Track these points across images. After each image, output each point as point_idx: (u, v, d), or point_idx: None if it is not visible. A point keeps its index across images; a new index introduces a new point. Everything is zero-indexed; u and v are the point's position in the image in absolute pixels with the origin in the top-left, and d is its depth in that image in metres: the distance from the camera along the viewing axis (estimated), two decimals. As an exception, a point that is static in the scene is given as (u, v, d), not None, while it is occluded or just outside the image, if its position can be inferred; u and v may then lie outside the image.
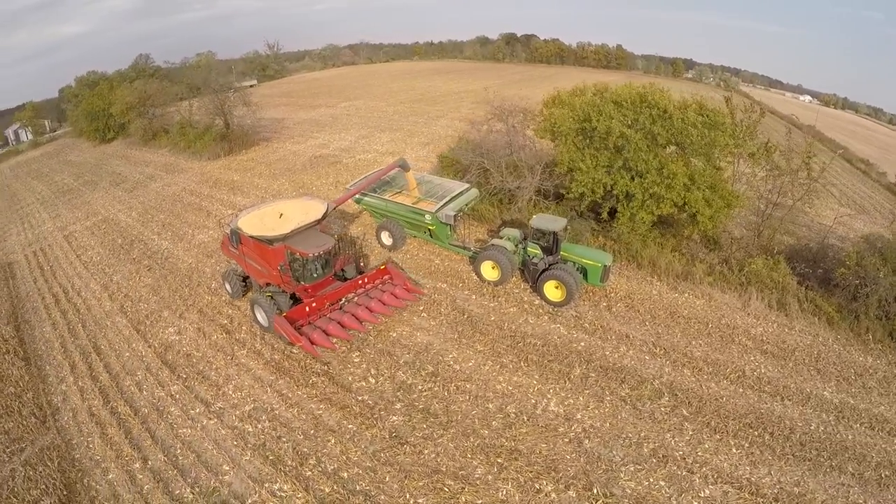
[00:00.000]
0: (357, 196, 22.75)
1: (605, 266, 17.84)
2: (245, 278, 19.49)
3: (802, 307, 17.66)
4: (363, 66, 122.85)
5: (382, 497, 11.34)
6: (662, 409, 13.62)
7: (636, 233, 20.63)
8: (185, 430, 14.05)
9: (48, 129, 79.38)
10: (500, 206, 24.59)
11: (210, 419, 14.23)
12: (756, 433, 12.89)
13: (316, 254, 15.98)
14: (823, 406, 13.83)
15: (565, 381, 14.60)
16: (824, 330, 16.84)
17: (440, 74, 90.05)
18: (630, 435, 12.81)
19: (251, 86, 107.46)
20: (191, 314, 19.61)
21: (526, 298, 18.59)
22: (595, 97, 22.14)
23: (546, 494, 11.32)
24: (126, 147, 54.68)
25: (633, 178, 19.92)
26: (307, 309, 15.92)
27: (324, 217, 17.68)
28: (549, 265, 18.19)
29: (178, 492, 12.25)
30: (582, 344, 16.19)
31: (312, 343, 15.01)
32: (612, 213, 21.22)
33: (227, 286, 19.86)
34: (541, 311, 17.93)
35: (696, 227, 20.00)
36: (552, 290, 17.88)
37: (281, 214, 17.36)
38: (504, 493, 11.32)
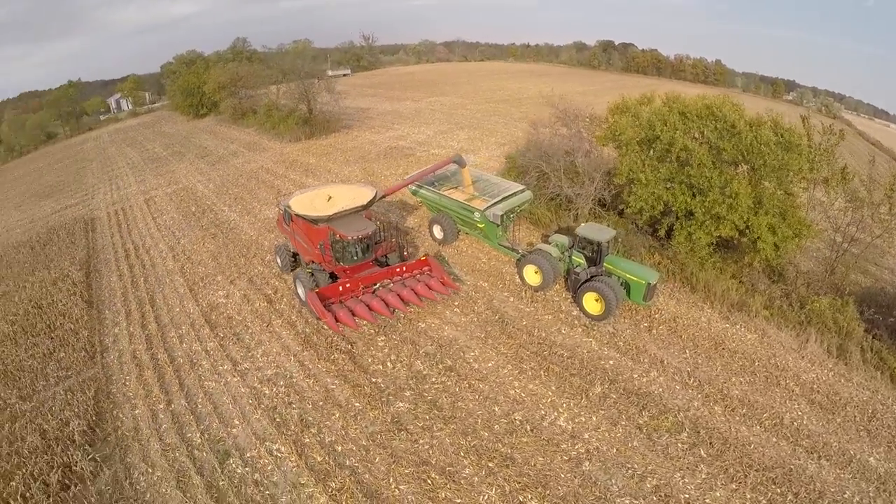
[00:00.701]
0: (414, 188, 23.60)
1: (650, 284, 17.20)
2: (295, 254, 20.89)
3: (865, 357, 16.07)
4: (457, 64, 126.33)
5: (367, 476, 11.63)
6: (680, 444, 12.79)
7: (694, 254, 19.84)
8: (209, 383, 15.38)
9: (148, 100, 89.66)
10: (558, 212, 24.24)
11: (234, 377, 15.43)
12: (778, 490, 11.52)
13: (355, 237, 16.80)
14: (866, 473, 12.07)
15: (582, 398, 14.12)
16: (886, 387, 15.17)
17: (532, 77, 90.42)
18: (636, 466, 12.14)
19: (344, 75, 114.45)
20: (241, 281, 21.34)
21: (564, 308, 18.12)
22: (664, 107, 21.60)
23: None
24: (216, 123, 60.39)
25: (694, 196, 19.23)
26: (340, 288, 16.67)
27: (369, 204, 18.48)
28: (592, 276, 17.81)
29: (189, 435, 13.47)
30: (611, 362, 15.56)
31: (337, 320, 15.75)
32: (671, 231, 20.44)
33: (278, 259, 21.42)
34: (576, 322, 17.41)
35: (758, 255, 18.83)
36: (591, 303, 17.44)
37: (329, 197, 18.43)
38: (486, 497, 11.13)
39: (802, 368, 15.74)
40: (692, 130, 19.91)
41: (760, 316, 17.87)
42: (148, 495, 12.02)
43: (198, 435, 13.49)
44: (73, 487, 12.25)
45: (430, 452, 12.23)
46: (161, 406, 14.78)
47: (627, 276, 17.55)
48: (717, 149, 18.96)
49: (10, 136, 75.79)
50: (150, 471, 12.68)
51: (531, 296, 18.92)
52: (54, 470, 12.70)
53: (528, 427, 13.09)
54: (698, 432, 13.14)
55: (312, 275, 17.84)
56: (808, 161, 18.49)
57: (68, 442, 13.62)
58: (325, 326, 16.93)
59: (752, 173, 19.05)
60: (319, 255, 17.93)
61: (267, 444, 12.82)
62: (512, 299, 18.71)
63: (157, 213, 31.60)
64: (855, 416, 13.96)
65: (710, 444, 12.81)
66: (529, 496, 11.24)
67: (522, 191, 22.60)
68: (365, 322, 16.73)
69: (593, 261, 18.19)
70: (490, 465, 11.97)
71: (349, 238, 16.78)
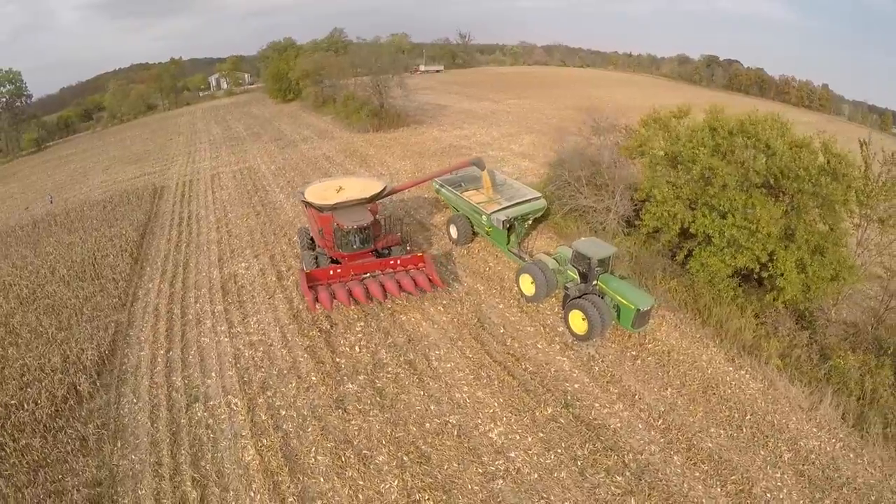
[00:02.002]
0: (437, 187, 25.53)
1: (639, 310, 16.88)
2: (312, 238, 23.66)
3: (888, 432, 14.49)
4: (552, 68, 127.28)
5: (295, 442, 13.28)
6: (613, 487, 12.45)
7: (712, 285, 19.10)
8: (204, 339, 18.12)
9: (246, 81, 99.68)
10: (578, 224, 24.47)
11: (225, 337, 18.01)
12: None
13: (349, 227, 18.73)
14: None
15: (526, 416, 14.30)
16: None
17: (625, 87, 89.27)
18: (552, 498, 12.10)
19: (437, 71, 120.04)
20: (264, 256, 24.33)
21: (550, 322, 18.50)
22: (699, 122, 21.12)
23: None
24: (299, 109, 66.28)
25: (715, 220, 18.58)
26: (330, 272, 18.65)
27: (374, 197, 20.37)
28: (582, 294, 17.95)
29: (173, 378, 16.19)
30: (576, 386, 15.62)
31: (316, 300, 17.87)
32: (689, 256, 19.91)
33: (298, 240, 24.32)
34: (557, 339, 17.70)
35: (781, 295, 17.73)
36: (577, 321, 17.48)
37: (340, 188, 20.80)
38: (386, 486, 12.12)
39: (804, 432, 14.57)
40: (722, 148, 19.21)
41: (772, 364, 16.83)
42: (126, 420, 14.80)
43: (180, 380, 16.19)
44: (71, 402, 15.47)
45: (356, 434, 13.56)
46: (161, 352, 17.77)
47: (618, 298, 17.39)
48: (746, 168, 18.07)
49: (113, 104, 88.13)
50: (135, 401, 15.53)
51: (522, 306, 19.55)
52: (64, 386, 16.03)
53: (456, 432, 13.75)
54: (641, 479, 12.71)
55: (316, 258, 20.31)
56: (860, 193, 17.29)
57: (80, 367, 16.94)
58: (318, 306, 19.20)
59: (788, 201, 18.24)
60: (323, 240, 20.40)
61: (229, 397, 15.09)
62: (501, 306, 19.52)
63: (217, 188, 36.21)
64: (850, 502, 12.60)
65: (649, 495, 12.29)
66: (427, 497, 11.96)
67: (537, 198, 23.27)
68: (353, 307, 18.76)
69: (585, 277, 18.29)
70: (405, 458, 12.92)
71: (345, 227, 18.95)
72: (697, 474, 13.06)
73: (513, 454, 13.24)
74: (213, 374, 16.34)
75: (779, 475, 13.23)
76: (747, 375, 16.66)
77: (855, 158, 17.94)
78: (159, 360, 17.42)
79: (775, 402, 15.67)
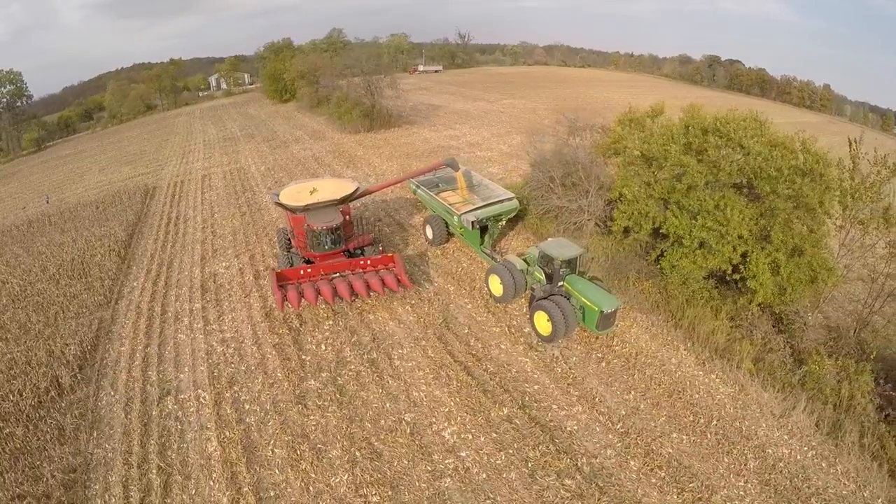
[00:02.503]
0: (414, 188, 26.36)
1: (603, 312, 17.02)
2: (290, 238, 24.56)
3: (863, 442, 14.17)
4: (553, 68, 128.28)
5: (255, 435, 14.18)
6: (562, 491, 12.61)
7: (686, 286, 19.05)
8: (181, 336, 19.14)
9: (246, 81, 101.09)
10: (556, 223, 24.78)
11: (200, 334, 19.00)
12: None
13: (319, 227, 19.65)
14: None
15: (480, 416, 14.71)
16: (879, 483, 13.25)
17: (624, 87, 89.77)
18: (498, 498, 12.35)
19: (436, 71, 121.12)
20: (244, 256, 25.34)
21: (517, 323, 19.09)
22: (680, 120, 21.02)
23: (366, 502, 12.36)
24: (295, 110, 67.34)
25: (685, 220, 18.52)
26: (301, 272, 19.54)
27: (346, 199, 21.25)
28: (547, 294, 18.34)
29: (149, 373, 17.21)
30: (535, 387, 15.99)
31: (284, 299, 18.65)
32: (662, 257, 20.03)
33: (276, 240, 25.25)
34: (522, 339, 18.20)
35: (754, 297, 17.63)
36: (542, 322, 17.75)
37: (313, 189, 21.72)
38: (336, 480, 12.83)
39: (774, 440, 14.34)
40: (694, 146, 19.15)
41: (744, 368, 16.64)
42: (102, 411, 15.82)
43: (155, 374, 17.20)
44: (53, 393, 16.51)
45: (313, 429, 14.39)
46: (140, 347, 18.80)
47: (583, 299, 17.58)
48: (719, 169, 18.02)
49: (112, 105, 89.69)
50: (112, 394, 16.55)
51: (490, 306, 20.22)
52: (47, 379, 17.07)
53: (409, 430, 14.32)
54: (592, 483, 12.82)
55: (290, 258, 21.25)
56: (845, 194, 16.97)
57: (64, 362, 17.99)
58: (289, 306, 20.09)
59: (764, 202, 18.09)
60: (297, 241, 21.31)
61: (198, 391, 16.07)
62: (469, 307, 20.27)
63: (207, 189, 37.31)
64: (819, 514, 12.21)
65: (599, 500, 12.41)
66: (374, 492, 12.54)
67: (510, 199, 23.86)
68: (323, 306, 19.72)
69: (551, 278, 18.59)
70: (357, 454, 13.58)
71: (315, 228, 19.87)
72: (654, 480, 13.01)
73: (463, 453, 13.67)
74: (186, 368, 17.32)
75: (742, 483, 13.01)
76: (718, 380, 16.58)
77: (836, 158, 17.82)
78: (138, 355, 18.45)
79: (745, 408, 15.47)
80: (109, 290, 23.20)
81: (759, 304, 18.21)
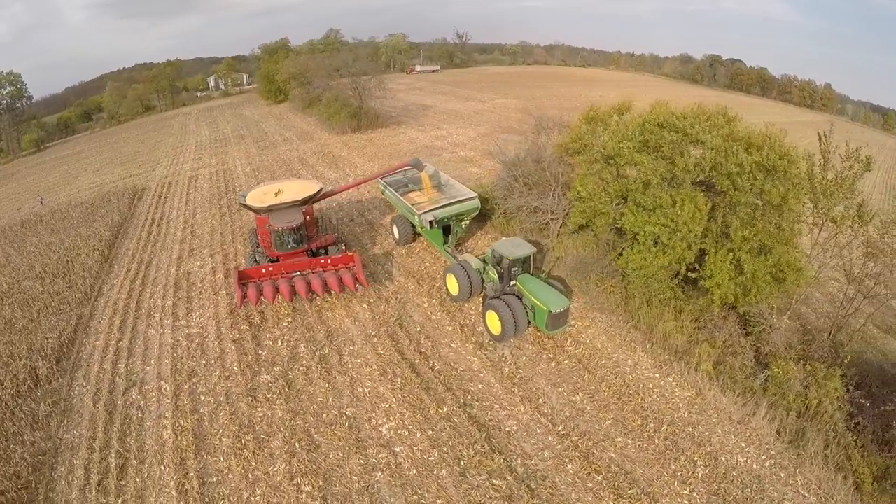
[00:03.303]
0: (382, 188, 27.19)
1: (551, 312, 17.28)
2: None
3: (828, 452, 13.58)
4: (551, 68, 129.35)
5: (206, 424, 15.41)
6: (491, 491, 12.87)
7: (647, 286, 18.84)
8: (151, 331, 20.52)
9: (245, 82, 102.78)
10: (525, 223, 25.32)
11: (169, 329, 20.38)
12: None
13: (279, 227, 20.89)
14: None
15: (420, 413, 15.32)
16: (842, 496, 12.75)
17: (622, 87, 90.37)
18: (426, 495, 12.77)
19: (433, 71, 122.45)
20: (218, 255, 26.72)
21: (472, 322, 19.93)
22: (640, 116, 20.60)
23: (299, 491, 13.13)
24: (288, 110, 68.74)
25: (640, 217, 18.41)
26: (263, 271, 20.80)
27: (308, 199, 22.44)
28: (499, 293, 18.89)
29: (119, 365, 18.59)
30: (480, 386, 16.51)
31: (244, 296, 19.85)
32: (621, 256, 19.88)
33: (248, 240, 26.54)
34: (475, 338, 18.89)
35: (713, 298, 17.26)
36: (493, 321, 18.24)
37: (278, 191, 23.01)
38: (274, 469, 13.77)
39: (729, 447, 13.99)
40: (651, 143, 18.89)
41: (702, 371, 16.30)
42: (74, 400, 17.20)
43: (124, 366, 18.59)
44: (30, 383, 17.97)
45: (260, 420, 15.53)
46: (113, 341, 20.21)
47: (533, 299, 17.87)
48: (674, 165, 17.86)
49: (110, 105, 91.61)
50: (84, 384, 17.94)
51: (446, 305, 21.20)
52: (26, 370, 18.50)
53: (348, 424, 15.16)
54: (524, 485, 13.00)
55: (256, 257, 22.56)
56: (816, 191, 16.47)
57: (42, 355, 19.41)
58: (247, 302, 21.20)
59: (720, 198, 17.93)
60: (262, 240, 22.55)
61: (161, 382, 17.42)
62: (426, 305, 21.32)
63: (192, 190, 38.79)
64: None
65: (527, 502, 12.58)
66: (307, 482, 13.31)
67: (472, 198, 24.43)
68: (286, 303, 20.98)
69: (503, 277, 19.05)
70: (296, 445, 14.48)
71: (276, 228, 20.99)
72: (590, 485, 13.03)
73: (397, 449, 14.28)
74: (153, 362, 18.71)
75: (687, 492, 12.76)
76: (674, 383, 16.40)
77: (806, 153, 17.35)
78: (110, 348, 19.87)
79: (701, 413, 15.19)
80: (90, 287, 24.65)
81: (722, 305, 17.76)
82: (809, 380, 15.51)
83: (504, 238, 20.89)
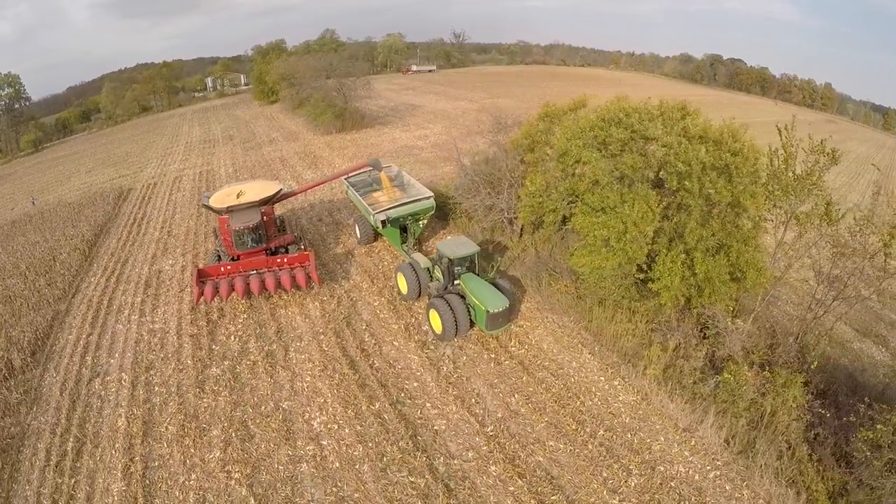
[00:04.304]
0: (346, 188, 28.29)
1: (489, 312, 17.59)
2: None
3: (779, 466, 12.88)
4: (549, 67, 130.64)
5: (156, 413, 16.80)
6: (409, 489, 13.18)
7: (600, 286, 18.70)
8: (119, 326, 22.12)
9: (242, 82, 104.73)
10: (476, 222, 26.36)
11: (135, 325, 21.95)
12: None
13: (237, 227, 22.21)
14: None
15: (351, 409, 16.03)
16: None
17: (618, 86, 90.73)
18: (345, 488, 13.33)
19: (429, 71, 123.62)
20: (189, 254, 28.33)
21: (418, 321, 20.82)
22: (594, 112, 20.27)
23: (229, 478, 14.11)
24: (279, 111, 70.37)
25: (587, 217, 18.25)
26: (221, 269, 22.21)
27: (266, 200, 23.65)
28: (442, 292, 19.44)
29: (87, 358, 20.11)
30: (415, 384, 17.15)
31: (201, 294, 21.19)
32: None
33: (215, 240, 27.92)
34: (419, 337, 19.66)
35: (661, 301, 16.91)
36: (435, 320, 18.77)
37: (240, 192, 24.40)
38: (210, 457, 14.76)
39: (670, 456, 13.60)
40: (599, 139, 18.57)
41: (649, 375, 16.03)
42: (44, 390, 18.71)
43: (91, 359, 20.19)
44: (5, 373, 19.55)
45: (204, 410, 16.77)
46: (84, 335, 21.81)
47: (473, 298, 18.23)
48: (618, 163, 17.51)
49: (108, 106, 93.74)
50: (54, 375, 19.51)
51: (396, 304, 22.29)
52: (3, 362, 20.11)
53: (283, 416, 16.00)
54: (442, 484, 13.22)
55: (219, 257, 24.12)
56: (777, 188, 15.88)
57: (19, 347, 21.07)
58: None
59: (673, 197, 17.58)
60: (224, 240, 23.86)
61: (122, 374, 18.95)
62: (376, 304, 22.52)
63: (175, 191, 40.52)
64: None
65: (443, 501, 12.86)
66: (237, 470, 14.18)
67: (427, 198, 25.14)
68: (244, 300, 22.36)
69: (447, 276, 19.57)
70: (233, 435, 15.39)
71: (235, 228, 22.24)
72: (511, 488, 13.07)
73: (325, 442, 14.98)
74: (117, 354, 20.29)
75: (615, 501, 12.59)
76: (619, 387, 16.34)
77: (768, 149, 16.73)
78: (81, 342, 21.45)
79: (644, 419, 14.93)
80: (69, 285, 26.35)
81: (674, 307, 17.47)
82: (767, 387, 14.83)
83: (450, 237, 21.80)
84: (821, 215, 15.78)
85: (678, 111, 19.17)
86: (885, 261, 14.66)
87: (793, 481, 12.83)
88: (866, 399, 13.57)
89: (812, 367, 15.55)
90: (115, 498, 14.01)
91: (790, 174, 16.06)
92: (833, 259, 15.82)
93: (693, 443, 14.15)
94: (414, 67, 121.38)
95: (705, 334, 17.92)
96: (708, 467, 13.46)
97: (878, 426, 12.41)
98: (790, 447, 13.58)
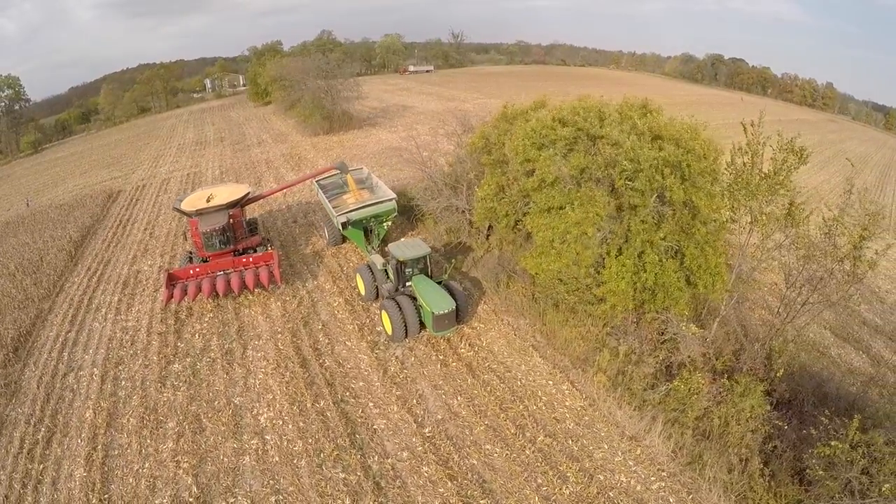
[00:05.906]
0: (316, 190, 29.54)
1: (434, 314, 18.04)
2: None
3: (729, 479, 12.29)
4: (548, 67, 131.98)
5: (121, 406, 18.15)
6: (341, 486, 13.76)
7: (553, 289, 18.49)
8: (95, 323, 23.70)
9: (241, 83, 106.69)
10: (441, 224, 27.21)
11: (110, 323, 23.53)
12: None
13: (204, 229, 23.49)
14: None
15: (296, 406, 16.80)
16: None
17: (615, 86, 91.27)
18: (282, 481, 13.96)
19: (427, 71, 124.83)
20: (167, 255, 29.92)
21: (373, 321, 21.81)
22: (549, 112, 19.89)
23: (178, 467, 15.14)
24: (272, 112, 72.01)
25: (535, 219, 18.12)
26: (191, 272, 23.72)
27: (233, 204, 24.86)
28: (392, 294, 20.21)
29: (64, 354, 21.60)
30: (361, 384, 17.80)
31: (170, 296, 22.64)
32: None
33: (184, 240, 29.48)
34: (371, 337, 20.48)
35: (607, 304, 16.50)
36: (386, 321, 19.44)
37: (210, 196, 25.83)
38: (163, 447, 15.91)
39: (612, 465, 13.38)
40: (549, 139, 18.30)
41: (597, 380, 15.98)
42: (23, 383, 20.29)
43: (68, 355, 21.84)
44: (-11, 369, 21.28)
45: (163, 404, 18.05)
46: (63, 332, 23.40)
47: (421, 300, 18.79)
48: (565, 164, 17.09)
49: (106, 107, 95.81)
50: (34, 369, 21.08)
51: (354, 304, 23.49)
52: (-12, 358, 21.92)
53: (232, 411, 16.96)
54: (371, 482, 13.88)
55: (191, 258, 25.78)
56: (742, 188, 15.26)
57: (2, 344, 22.73)
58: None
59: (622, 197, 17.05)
60: (194, 242, 25.34)
61: (94, 369, 20.45)
62: (335, 304, 23.72)
63: (162, 193, 42.24)
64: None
65: (371, 499, 13.33)
66: (185, 460, 15.16)
67: (389, 200, 26.18)
68: (208, 300, 23.64)
69: (398, 277, 20.24)
70: (186, 428, 16.41)
71: (203, 230, 23.54)
72: (441, 490, 13.21)
73: (269, 437, 15.74)
74: (91, 351, 21.86)
75: None
76: (567, 392, 16.32)
77: (731, 146, 16.07)
78: (61, 339, 23.03)
79: (588, 426, 14.79)
80: (54, 284, 28.04)
81: (623, 312, 17.09)
82: (724, 395, 14.39)
83: (403, 239, 22.79)
84: (784, 216, 15.21)
85: (637, 110, 19.04)
86: (853, 264, 13.89)
87: (743, 496, 12.38)
88: (826, 412, 12.79)
89: (777, 375, 14.99)
90: (77, 483, 15.45)
91: (756, 173, 15.35)
92: (803, 262, 15.13)
93: (638, 452, 13.90)
94: (411, 68, 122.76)
95: (662, 339, 17.59)
96: (652, 478, 13.13)
97: (833, 442, 11.42)
98: (742, 460, 13.04)
